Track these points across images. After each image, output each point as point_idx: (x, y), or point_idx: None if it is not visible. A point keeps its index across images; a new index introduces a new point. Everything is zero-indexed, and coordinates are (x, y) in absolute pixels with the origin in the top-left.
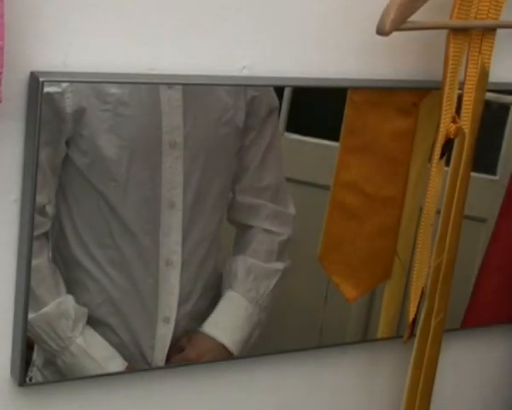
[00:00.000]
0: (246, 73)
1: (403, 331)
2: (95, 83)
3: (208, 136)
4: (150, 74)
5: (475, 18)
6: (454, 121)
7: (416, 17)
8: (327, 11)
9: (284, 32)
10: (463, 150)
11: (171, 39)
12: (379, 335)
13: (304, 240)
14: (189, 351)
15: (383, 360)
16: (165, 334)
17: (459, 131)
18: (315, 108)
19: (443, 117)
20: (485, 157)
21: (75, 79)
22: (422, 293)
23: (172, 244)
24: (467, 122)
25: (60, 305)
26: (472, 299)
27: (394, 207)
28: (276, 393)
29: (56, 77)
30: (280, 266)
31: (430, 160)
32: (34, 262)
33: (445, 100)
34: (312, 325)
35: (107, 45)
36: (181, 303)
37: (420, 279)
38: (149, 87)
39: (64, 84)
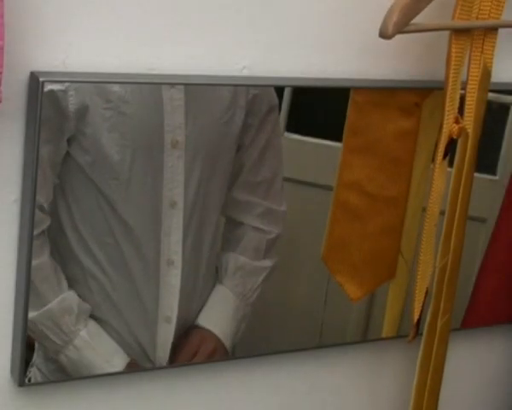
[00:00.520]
0: (246, 73)
1: (406, 331)
2: (95, 83)
3: (209, 135)
4: (150, 74)
5: (477, 18)
6: (457, 122)
7: (418, 18)
8: (327, 11)
9: (284, 32)
10: (466, 150)
11: (171, 39)
12: (383, 334)
13: (304, 240)
14: (187, 346)
15: (385, 359)
16: (167, 333)
17: (462, 131)
18: (315, 108)
19: (445, 117)
20: (485, 157)
21: (75, 79)
22: (427, 293)
23: (173, 244)
24: (469, 122)
25: (63, 301)
26: (472, 299)
27: (397, 207)
28: (276, 393)
29: (56, 77)
30: (268, 263)
31: (433, 160)
32: (36, 261)
33: (447, 100)
34: (312, 325)
35: (107, 45)
36: (182, 302)
37: (424, 279)
38: (151, 86)
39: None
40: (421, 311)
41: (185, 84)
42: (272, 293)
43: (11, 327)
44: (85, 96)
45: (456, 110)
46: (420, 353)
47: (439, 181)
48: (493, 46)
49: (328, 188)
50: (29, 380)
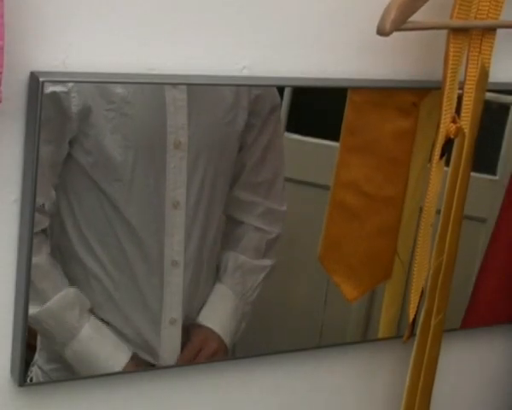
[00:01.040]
0: (246, 73)
1: (403, 331)
2: (95, 83)
3: (211, 135)
4: (150, 74)
5: (475, 18)
6: (454, 121)
7: (417, 17)
8: (327, 11)
9: (284, 32)
10: (463, 150)
11: (172, 39)
12: (379, 335)
13: (304, 240)
14: (190, 346)
15: (383, 360)
16: (173, 336)
17: (459, 131)
18: (315, 108)
19: (443, 117)
20: (485, 157)
21: (75, 79)
22: (422, 293)
23: (176, 244)
24: (467, 122)
25: (64, 297)
26: (472, 299)
27: (394, 207)
28: (276, 393)
29: (56, 77)
30: (267, 262)
31: (430, 160)
32: (34, 259)
33: (445, 100)
34: (312, 325)
35: (107, 45)
36: (185, 303)
37: (420, 279)
38: (154, 87)
39: (69, 84)
40: (417, 311)
41: (185, 84)
42: (272, 293)
43: (11, 327)
44: (88, 98)
45: (454, 110)
46: (413, 352)
47: (436, 181)
48: (491, 46)
49: (328, 188)
50: (31, 380)
